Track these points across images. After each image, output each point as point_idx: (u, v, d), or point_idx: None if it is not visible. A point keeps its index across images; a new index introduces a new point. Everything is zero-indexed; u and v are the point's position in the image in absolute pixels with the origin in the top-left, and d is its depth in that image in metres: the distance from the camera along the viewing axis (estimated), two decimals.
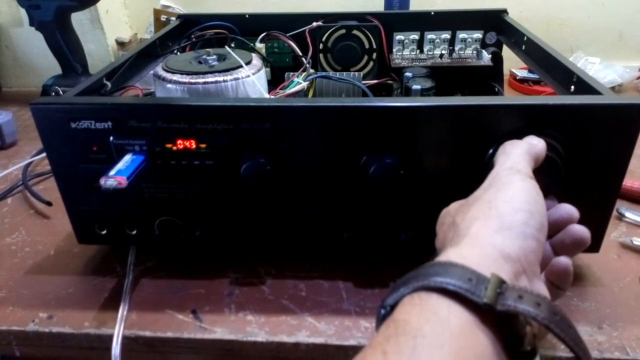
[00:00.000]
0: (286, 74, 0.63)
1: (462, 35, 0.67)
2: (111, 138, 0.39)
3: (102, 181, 0.35)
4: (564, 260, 0.30)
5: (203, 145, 0.39)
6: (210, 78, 0.51)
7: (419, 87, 0.57)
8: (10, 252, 0.48)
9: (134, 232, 0.43)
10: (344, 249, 0.43)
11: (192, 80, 0.51)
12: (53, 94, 0.76)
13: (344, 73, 0.66)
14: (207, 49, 0.56)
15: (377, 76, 0.67)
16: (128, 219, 0.43)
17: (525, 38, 0.58)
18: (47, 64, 0.90)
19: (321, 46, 0.68)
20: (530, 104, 0.37)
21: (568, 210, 0.33)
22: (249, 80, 0.53)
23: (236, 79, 0.52)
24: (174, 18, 0.91)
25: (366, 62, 0.69)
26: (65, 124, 0.38)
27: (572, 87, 0.44)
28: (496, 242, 0.26)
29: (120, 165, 0.37)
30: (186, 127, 0.38)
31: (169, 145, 0.39)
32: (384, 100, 0.37)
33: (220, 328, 0.39)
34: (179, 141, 0.39)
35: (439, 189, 0.39)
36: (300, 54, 0.67)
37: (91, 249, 0.47)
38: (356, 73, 0.67)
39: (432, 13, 0.67)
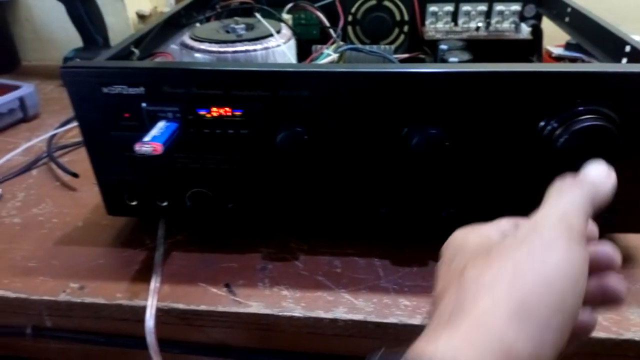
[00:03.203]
0: (313, 46, 0.61)
1: (499, 7, 0.64)
2: (143, 104, 0.37)
3: (137, 147, 0.34)
4: (589, 317, 0.24)
5: (238, 113, 0.37)
6: (240, 47, 0.49)
7: (456, 59, 0.55)
8: (37, 223, 0.47)
9: (165, 203, 0.42)
10: (381, 225, 0.41)
11: (222, 49, 0.49)
12: None
13: (374, 46, 0.63)
14: (235, 18, 0.54)
15: (408, 50, 0.65)
16: (159, 190, 0.42)
17: (569, 9, 0.55)
18: (67, 38, 0.88)
19: (350, 18, 0.65)
20: (586, 71, 0.34)
21: (608, 253, 0.25)
22: (280, 50, 0.51)
23: (266, 48, 0.50)
24: None
25: (397, 35, 0.66)
26: (96, 89, 0.37)
27: (625, 59, 0.42)
28: (507, 334, 0.20)
29: (154, 131, 0.35)
30: (221, 94, 0.37)
31: (202, 113, 0.37)
32: (431, 67, 0.35)
33: (255, 302, 0.37)
34: (214, 108, 0.37)
35: (485, 163, 0.38)
36: (329, 25, 0.64)
37: (120, 222, 0.46)
38: (387, 46, 0.64)
39: None
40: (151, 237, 0.44)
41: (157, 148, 0.34)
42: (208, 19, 0.62)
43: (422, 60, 0.62)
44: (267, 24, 0.51)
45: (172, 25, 0.56)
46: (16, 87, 0.66)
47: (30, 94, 0.66)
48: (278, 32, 0.52)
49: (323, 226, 0.44)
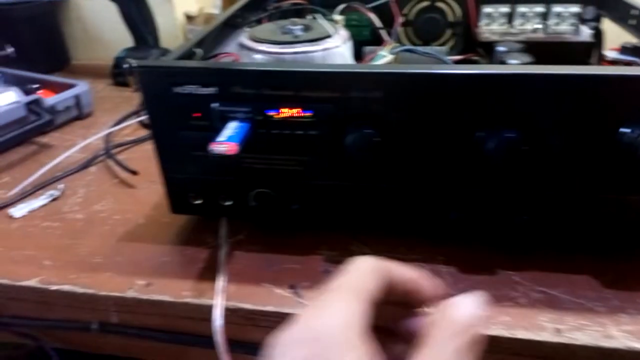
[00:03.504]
0: (364, 47, 0.61)
1: (557, 8, 0.62)
2: (215, 104, 0.37)
3: (213, 147, 0.34)
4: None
5: (308, 114, 0.37)
6: (300, 48, 0.49)
7: (516, 61, 0.53)
8: (100, 220, 0.48)
9: (229, 203, 0.42)
10: (449, 230, 0.40)
11: (281, 50, 0.49)
12: (126, 66, 0.76)
13: (427, 47, 0.63)
14: (293, 19, 0.54)
15: (461, 51, 0.64)
16: (224, 190, 0.42)
17: (634, 11, 0.53)
18: (116, 37, 0.90)
19: (402, 19, 0.64)
20: None
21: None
22: (339, 51, 0.51)
23: (326, 49, 0.50)
24: None
25: (449, 37, 0.65)
26: (168, 88, 0.37)
27: None
28: None
29: (228, 131, 0.35)
30: (292, 95, 0.36)
31: (272, 114, 0.37)
32: (514, 68, 0.34)
33: None
34: (284, 109, 0.37)
35: (562, 169, 0.36)
36: (381, 26, 0.64)
37: (180, 220, 0.47)
38: (441, 47, 0.63)
39: None
40: (212, 236, 0.45)
41: (233, 148, 0.34)
42: (259, 21, 0.62)
43: (476, 62, 0.61)
44: (327, 25, 0.51)
45: (228, 26, 0.56)
46: (72, 86, 0.68)
47: (85, 92, 0.67)
48: (336, 33, 0.51)
49: (384, 230, 0.44)
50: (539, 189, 0.37)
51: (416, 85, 0.35)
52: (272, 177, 0.41)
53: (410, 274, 0.27)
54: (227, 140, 0.34)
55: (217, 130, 0.38)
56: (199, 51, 0.47)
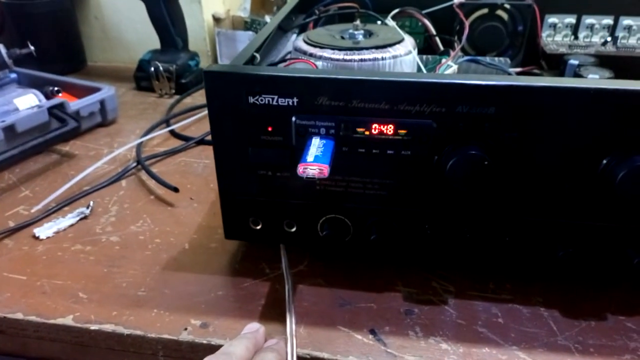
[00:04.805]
0: (419, 56, 0.56)
1: (626, 21, 0.58)
2: (294, 118, 0.32)
3: (301, 169, 0.28)
4: None
5: (403, 132, 0.32)
6: (367, 54, 0.44)
7: (596, 76, 0.49)
8: (139, 243, 0.42)
9: (293, 229, 0.37)
10: (555, 267, 0.35)
11: (347, 57, 0.43)
12: (152, 69, 0.71)
13: (487, 58, 0.58)
14: (355, 23, 0.49)
15: (521, 63, 0.59)
16: (289, 215, 0.36)
17: None
18: (136, 39, 0.85)
19: (457, 26, 0.60)
20: None
21: None
22: (408, 59, 0.45)
23: (395, 56, 0.44)
24: None
25: (507, 47, 0.60)
26: (241, 98, 0.32)
27: None
28: None
29: (314, 150, 0.30)
30: (387, 109, 0.31)
31: (361, 130, 0.32)
32: None
33: (413, 357, 0.32)
34: (375, 125, 0.32)
35: None
36: (435, 33, 0.59)
37: (231, 245, 0.41)
38: (503, 58, 0.59)
39: None
40: (270, 265, 0.39)
41: (324, 170, 0.28)
42: (306, 25, 0.57)
43: (539, 75, 0.57)
44: (399, 29, 0.46)
45: (281, 30, 0.51)
46: (95, 89, 0.62)
47: (110, 97, 0.61)
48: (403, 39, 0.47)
49: (472, 264, 0.38)
50: None
51: (542, 99, 0.30)
52: (348, 201, 0.35)
53: None
54: (315, 161, 0.29)
55: (291, 147, 0.33)
56: (258, 56, 0.41)
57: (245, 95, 0.32)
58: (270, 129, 0.33)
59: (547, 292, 0.37)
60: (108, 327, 0.33)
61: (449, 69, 0.50)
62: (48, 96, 0.59)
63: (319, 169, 0.28)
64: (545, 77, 0.46)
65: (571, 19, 0.59)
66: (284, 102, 0.32)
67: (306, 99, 0.31)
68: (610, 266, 0.34)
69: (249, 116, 0.32)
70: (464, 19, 0.56)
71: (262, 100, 0.32)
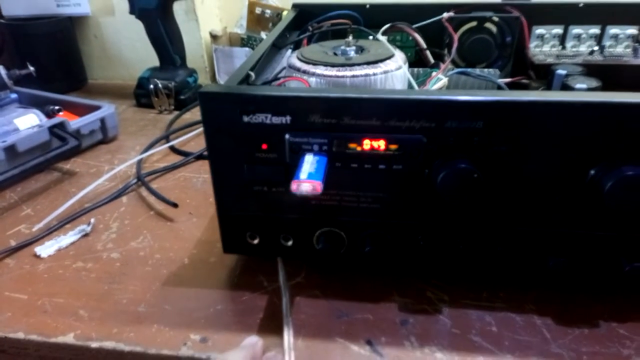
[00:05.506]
0: (410, 69, 0.57)
1: (613, 30, 0.59)
2: (287, 135, 0.33)
3: (294, 186, 0.29)
4: None
5: (394, 147, 0.33)
6: (359, 70, 0.45)
7: (584, 85, 0.50)
8: (139, 259, 0.43)
9: (290, 243, 0.38)
10: (546, 276, 0.36)
11: (339, 74, 0.44)
12: (152, 86, 0.72)
13: (476, 70, 0.59)
14: (347, 39, 0.50)
15: (510, 74, 0.60)
16: (286, 229, 0.37)
17: None
18: (135, 57, 0.86)
19: (447, 39, 0.61)
20: None
21: None
22: (399, 74, 0.47)
23: (386, 71, 0.46)
24: (269, 11, 0.86)
25: (495, 58, 0.62)
26: (236, 117, 0.33)
27: None
28: None
29: (307, 167, 0.31)
30: (378, 125, 0.32)
31: (353, 145, 0.33)
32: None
33: None
34: (366, 141, 0.33)
35: None
36: (425, 47, 0.60)
37: (229, 259, 0.42)
38: (492, 70, 0.60)
39: (581, 5, 0.60)
40: (268, 278, 0.40)
41: (317, 187, 0.29)
42: (300, 42, 0.59)
43: (525, 86, 0.58)
44: (388, 45, 0.47)
45: (275, 47, 0.52)
46: (95, 107, 0.63)
47: (111, 115, 0.63)
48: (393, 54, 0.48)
49: (466, 274, 0.39)
50: None
51: (530, 114, 0.30)
52: (343, 215, 0.36)
53: None
54: (309, 178, 0.30)
55: (285, 164, 0.34)
56: (252, 74, 0.43)
57: (240, 114, 0.33)
58: (264, 146, 0.34)
59: (540, 300, 0.37)
60: (109, 345, 0.34)
61: (440, 81, 0.51)
62: (49, 115, 0.60)
63: (312, 186, 0.29)
64: (531, 90, 0.47)
65: (558, 30, 0.60)
66: (278, 121, 0.33)
67: (299, 117, 0.32)
68: (602, 274, 0.35)
69: (243, 134, 0.33)
70: (452, 32, 0.57)
71: (256, 118, 0.33)
